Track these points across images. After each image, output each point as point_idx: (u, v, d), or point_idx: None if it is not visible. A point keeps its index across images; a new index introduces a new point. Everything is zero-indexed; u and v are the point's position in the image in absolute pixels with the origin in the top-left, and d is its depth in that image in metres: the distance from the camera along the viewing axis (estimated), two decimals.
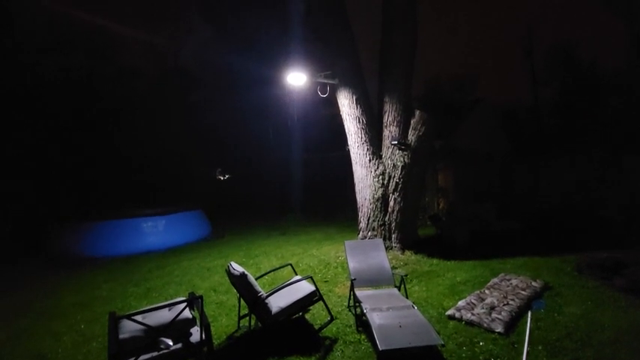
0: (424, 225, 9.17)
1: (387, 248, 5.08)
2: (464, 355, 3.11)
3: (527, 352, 3.09)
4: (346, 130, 6.88)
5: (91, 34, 12.29)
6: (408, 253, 6.28)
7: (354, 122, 6.65)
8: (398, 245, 6.36)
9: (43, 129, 10.87)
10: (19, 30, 10.99)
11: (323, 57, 6.95)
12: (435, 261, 5.99)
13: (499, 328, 3.45)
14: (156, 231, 9.08)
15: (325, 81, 6.65)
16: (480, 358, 3.05)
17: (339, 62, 6.71)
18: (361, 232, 6.77)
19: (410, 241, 6.56)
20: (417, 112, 6.21)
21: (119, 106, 12.49)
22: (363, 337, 3.55)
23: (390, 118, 6.53)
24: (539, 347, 3.18)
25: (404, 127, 6.45)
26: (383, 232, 6.43)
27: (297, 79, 6.35)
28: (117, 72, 12.64)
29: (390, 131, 6.52)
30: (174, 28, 14.46)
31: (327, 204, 13.17)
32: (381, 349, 2.77)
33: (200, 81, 14.41)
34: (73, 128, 11.46)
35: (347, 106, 6.70)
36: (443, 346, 3.12)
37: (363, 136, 6.61)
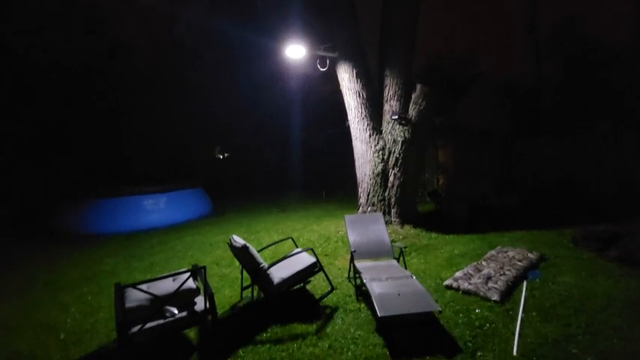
0: (424, 201, 9.25)
1: (386, 223, 5.14)
2: (460, 321, 3.22)
3: (522, 319, 3.19)
4: (346, 105, 6.81)
5: (82, 8, 11.88)
6: (407, 227, 6.36)
7: (355, 97, 6.56)
8: (397, 220, 6.43)
9: (42, 108, 10.72)
10: (6, 5, 10.60)
11: (323, 30, 6.77)
12: (433, 235, 6.08)
13: (495, 297, 3.55)
14: (157, 208, 9.14)
15: (325, 54, 6.51)
16: (476, 323, 3.15)
17: (340, 35, 6.54)
18: (361, 208, 6.83)
19: (409, 216, 6.63)
20: (419, 86, 6.11)
21: (116, 83, 12.26)
22: (362, 305, 3.66)
23: (391, 93, 6.44)
24: (533, 314, 3.29)
25: (405, 101, 6.38)
26: (383, 207, 6.48)
27: (296, 51, 6.21)
28: (111, 49, 12.31)
29: (390, 106, 6.45)
30: (170, 1, 13.95)
31: (327, 181, 13.22)
32: (380, 315, 2.86)
33: (197, 56, 14.06)
34: (73, 106, 11.30)
35: (347, 80, 6.59)
36: (440, 312, 3.21)
37: (364, 110, 6.55)
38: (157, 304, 2.92)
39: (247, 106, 14.51)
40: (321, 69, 6.66)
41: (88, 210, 8.71)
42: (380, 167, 6.44)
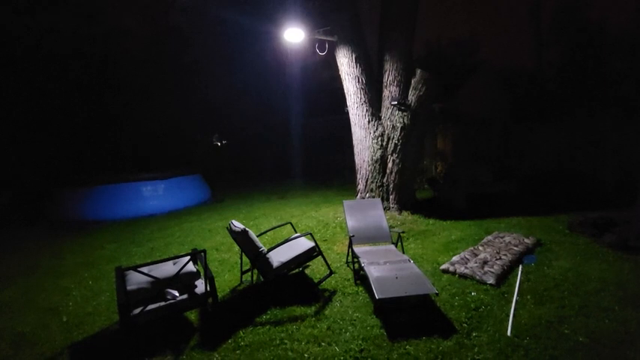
0: (422, 188, 9.28)
1: (384, 209, 5.17)
2: (456, 303, 3.28)
3: (516, 301, 3.26)
4: (345, 91, 6.75)
5: None
6: (405, 213, 6.40)
7: (354, 82, 6.50)
8: (395, 206, 6.47)
9: (39, 94, 10.58)
10: None
11: (322, 13, 6.64)
12: (431, 221, 6.13)
13: (491, 280, 3.61)
14: (156, 195, 9.14)
15: (324, 38, 6.41)
16: (472, 306, 3.21)
17: (339, 19, 6.43)
18: (359, 194, 6.85)
19: (407, 203, 6.66)
20: (418, 71, 6.05)
21: (111, 69, 12.08)
22: (360, 289, 3.71)
23: (391, 78, 6.38)
24: (528, 296, 3.35)
25: (404, 87, 6.32)
26: (381, 193, 6.51)
27: (294, 35, 6.10)
28: (105, 33, 12.08)
29: (390, 91, 6.40)
30: None
31: (326, 168, 13.22)
32: (378, 297, 2.91)
33: (194, 41, 13.83)
34: (68, 93, 11.15)
35: (346, 65, 6.51)
36: (437, 295, 3.27)
37: (363, 96, 6.50)
38: (158, 286, 2.96)
39: (246, 93, 14.37)
40: (320, 53, 6.57)
41: (88, 197, 8.70)
42: (379, 153, 6.44)
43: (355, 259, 3.97)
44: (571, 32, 14.27)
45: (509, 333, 2.80)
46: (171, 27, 13.89)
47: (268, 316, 3.28)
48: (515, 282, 3.62)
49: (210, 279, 3.07)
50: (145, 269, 2.96)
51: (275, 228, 5.06)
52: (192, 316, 3.40)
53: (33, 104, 10.51)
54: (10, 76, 10.15)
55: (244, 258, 3.89)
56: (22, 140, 10.42)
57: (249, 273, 4.02)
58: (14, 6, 10.19)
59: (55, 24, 10.77)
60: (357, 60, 6.43)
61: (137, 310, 2.80)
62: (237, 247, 4.89)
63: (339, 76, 6.83)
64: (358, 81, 6.47)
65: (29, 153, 10.55)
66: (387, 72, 6.42)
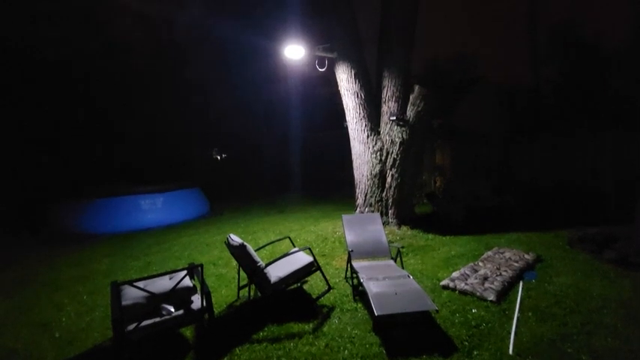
0: (421, 203, 9.26)
1: (383, 223, 5.15)
2: (457, 320, 3.23)
3: (518, 318, 3.21)
4: (344, 106, 6.82)
5: (77, 7, 11.86)
6: (404, 228, 6.38)
7: (353, 97, 6.58)
8: (394, 221, 6.44)
9: (39, 106, 10.67)
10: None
11: (322, 31, 6.80)
12: (430, 236, 6.09)
13: (491, 297, 3.56)
14: (154, 208, 9.11)
15: (324, 54, 6.53)
16: (472, 323, 3.16)
17: (338, 35, 6.57)
18: (358, 208, 6.84)
19: (406, 217, 6.64)
20: (416, 88, 6.14)
21: (112, 82, 12.24)
22: (359, 305, 3.66)
23: (389, 94, 6.46)
24: (529, 314, 3.30)
25: (403, 102, 6.40)
26: (380, 207, 6.50)
27: (295, 52, 6.22)
28: (107, 47, 12.29)
29: (388, 107, 6.48)
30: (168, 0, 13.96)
31: (325, 183, 13.22)
32: (377, 314, 2.86)
33: (195, 56, 14.07)
34: (68, 107, 11.26)
35: (345, 80, 6.61)
36: (437, 311, 3.22)
37: (362, 111, 6.57)
38: (154, 301, 2.91)
39: (246, 107, 14.52)
40: (320, 69, 6.68)
41: (86, 209, 8.67)
42: (378, 168, 6.46)
43: (354, 275, 3.93)
44: (566, 49, 14.57)
45: (510, 351, 2.74)
46: (173, 42, 14.14)
47: (265, 333, 3.22)
48: (516, 299, 3.57)
49: (206, 294, 3.03)
50: (140, 284, 2.92)
51: (273, 242, 5.03)
52: (188, 332, 3.33)
53: (33, 116, 10.59)
54: (10, 87, 10.25)
55: (242, 273, 3.84)
56: (22, 152, 10.45)
57: (247, 288, 3.97)
58: (18, 17, 10.38)
59: (58, 38, 10.95)
60: (356, 76, 6.54)
61: (131, 326, 2.74)
62: (234, 262, 4.84)
63: (339, 91, 6.92)
64: (357, 96, 6.56)
65: (30, 164, 10.57)
66: (386, 88, 6.51)
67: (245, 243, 3.43)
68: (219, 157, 17.56)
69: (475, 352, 2.75)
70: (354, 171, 6.93)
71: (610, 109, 10.80)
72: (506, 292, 3.75)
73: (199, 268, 3.15)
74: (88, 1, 11.77)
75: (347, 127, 6.96)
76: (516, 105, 13.92)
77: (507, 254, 4.77)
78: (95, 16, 12.04)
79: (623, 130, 8.52)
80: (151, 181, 10.78)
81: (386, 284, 3.38)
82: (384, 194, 6.49)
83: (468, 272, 4.20)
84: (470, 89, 12.98)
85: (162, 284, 3.13)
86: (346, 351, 2.87)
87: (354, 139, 6.78)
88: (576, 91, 12.59)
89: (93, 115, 11.78)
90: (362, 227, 4.50)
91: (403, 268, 3.98)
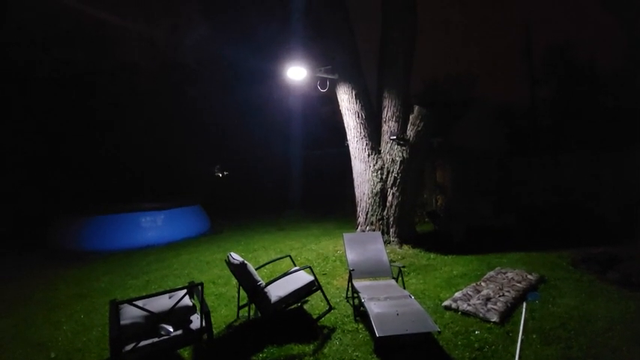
0: (422, 221, 9.23)
1: (384, 242, 5.13)
2: (459, 342, 3.17)
3: (522, 341, 3.15)
4: (345, 125, 6.92)
5: (88, 28, 12.24)
6: (405, 247, 6.34)
7: (354, 117, 6.69)
8: (396, 239, 6.41)
9: (42, 124, 10.85)
10: (14, 24, 10.90)
11: (323, 52, 6.99)
12: (432, 255, 6.05)
13: (494, 318, 3.51)
14: (154, 226, 9.08)
15: (325, 76, 6.68)
16: (475, 345, 3.10)
17: (339, 57, 6.74)
18: (359, 227, 6.82)
19: (408, 236, 6.61)
20: (416, 108, 6.25)
21: (117, 100, 12.48)
22: (360, 326, 3.60)
23: (389, 114, 6.57)
24: (534, 336, 3.24)
25: (403, 122, 6.49)
26: (381, 226, 6.48)
27: (297, 73, 6.38)
28: (115, 66, 12.61)
29: (388, 126, 6.57)
30: (173, 22, 14.43)
31: (326, 200, 13.21)
32: (378, 335, 2.82)
33: (199, 76, 14.40)
34: (73, 124, 11.44)
35: (346, 100, 6.74)
36: (439, 333, 3.17)
37: (362, 130, 6.66)
38: (153, 321, 2.88)
39: (247, 125, 14.72)
40: (322, 90, 6.82)
41: (86, 227, 8.66)
42: (378, 186, 6.48)
43: (355, 294, 3.89)
44: (560, 71, 14.90)
45: None
46: (178, 63, 14.50)
47: (265, 355, 3.16)
48: (520, 320, 3.52)
49: (206, 314, 2.99)
50: (139, 303, 2.89)
51: (274, 261, 4.99)
52: (186, 352, 3.28)
53: (35, 133, 10.73)
54: (14, 103, 10.44)
55: (242, 292, 3.80)
56: (22, 169, 10.52)
57: (247, 308, 3.92)
58: (29, 37, 10.70)
59: (64, 57, 11.24)
60: (357, 96, 6.67)
61: (129, 346, 2.70)
62: (234, 281, 4.80)
63: (340, 110, 7.04)
64: (358, 116, 6.67)
65: (29, 182, 10.63)
66: (386, 108, 6.62)
67: (245, 261, 3.42)
68: (220, 175, 17.64)
69: None
70: (355, 189, 6.96)
71: (607, 127, 10.93)
72: (509, 313, 3.69)
73: (199, 287, 3.13)
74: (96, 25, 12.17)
75: (348, 146, 7.03)
76: (514, 124, 14.09)
77: (510, 274, 4.72)
78: (102, 39, 12.41)
79: (619, 149, 8.59)
80: (152, 198, 10.81)
81: (387, 305, 3.34)
82: (385, 213, 6.49)
83: (470, 292, 4.15)
84: (468, 109, 13.18)
85: (162, 303, 3.10)
86: None
87: (355, 157, 6.84)
88: (569, 110, 12.79)
89: (95, 131, 11.94)
90: (363, 246, 4.48)
91: (405, 288, 3.94)
